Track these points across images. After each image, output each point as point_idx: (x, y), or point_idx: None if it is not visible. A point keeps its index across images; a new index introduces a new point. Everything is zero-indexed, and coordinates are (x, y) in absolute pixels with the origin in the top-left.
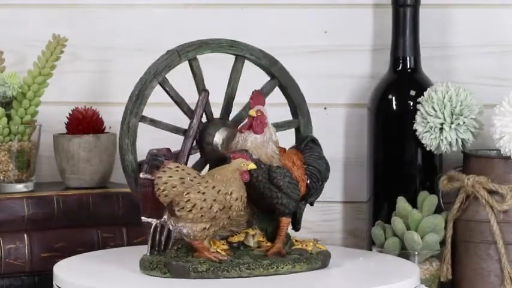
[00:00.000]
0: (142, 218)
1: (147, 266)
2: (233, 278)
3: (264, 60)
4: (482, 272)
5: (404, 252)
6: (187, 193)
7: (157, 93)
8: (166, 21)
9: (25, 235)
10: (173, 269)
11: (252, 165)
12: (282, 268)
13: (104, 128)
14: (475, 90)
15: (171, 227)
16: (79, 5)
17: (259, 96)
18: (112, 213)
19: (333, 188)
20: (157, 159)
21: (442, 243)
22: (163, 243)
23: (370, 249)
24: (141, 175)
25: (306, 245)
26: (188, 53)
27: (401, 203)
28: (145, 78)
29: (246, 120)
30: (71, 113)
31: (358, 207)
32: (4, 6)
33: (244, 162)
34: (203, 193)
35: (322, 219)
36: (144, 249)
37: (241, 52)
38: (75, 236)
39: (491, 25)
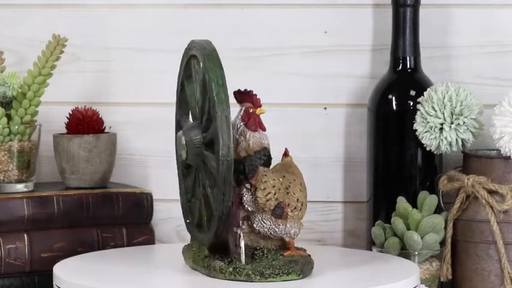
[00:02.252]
0: (235, 228)
1: (262, 273)
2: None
3: None
4: (482, 272)
5: (404, 252)
6: (294, 193)
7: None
8: (166, 21)
9: (25, 235)
10: (306, 269)
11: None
12: None
13: (104, 128)
14: (475, 90)
15: (275, 231)
16: (79, 5)
17: None
18: (112, 213)
19: (333, 188)
20: (253, 164)
21: (442, 243)
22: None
23: (370, 249)
24: None
25: None
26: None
27: (401, 203)
28: (220, 82)
29: (251, 119)
30: (71, 113)
31: (358, 207)
32: (4, 6)
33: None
34: (301, 191)
35: (322, 219)
36: (144, 250)
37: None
38: (75, 236)
39: (491, 25)
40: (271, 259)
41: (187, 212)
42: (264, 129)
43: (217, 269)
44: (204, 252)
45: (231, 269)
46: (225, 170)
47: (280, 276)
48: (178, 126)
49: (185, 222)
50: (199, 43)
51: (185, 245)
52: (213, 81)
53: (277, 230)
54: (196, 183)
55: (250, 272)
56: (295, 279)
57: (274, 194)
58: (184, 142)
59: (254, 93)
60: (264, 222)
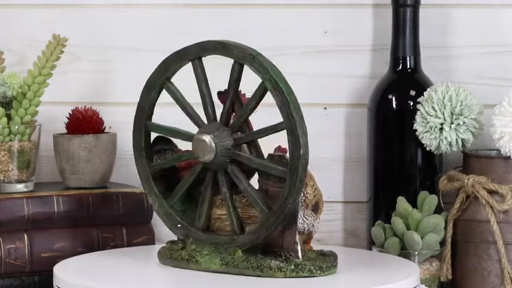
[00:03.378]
0: (295, 226)
1: (321, 267)
2: None
3: None
4: (482, 272)
5: (404, 252)
6: (319, 190)
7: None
8: (166, 21)
9: (25, 235)
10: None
11: None
12: None
13: (104, 128)
14: (475, 90)
15: (313, 225)
16: (79, 5)
17: None
18: (112, 213)
19: (333, 188)
20: None
21: (442, 243)
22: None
23: (370, 249)
24: None
25: None
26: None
27: (401, 203)
28: (287, 83)
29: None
30: (71, 113)
31: (358, 207)
32: (4, 6)
33: None
34: (318, 186)
35: (322, 219)
36: (144, 250)
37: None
38: (75, 236)
39: (491, 25)
40: (309, 253)
41: (172, 216)
42: (251, 129)
43: (275, 268)
44: (237, 253)
45: (292, 267)
46: (302, 168)
47: (332, 269)
48: (146, 129)
49: (174, 227)
50: (229, 44)
51: (166, 249)
52: (280, 82)
53: (314, 224)
54: (208, 186)
55: (312, 268)
56: (335, 273)
57: (319, 191)
58: (214, 144)
59: (243, 92)
60: (306, 218)
